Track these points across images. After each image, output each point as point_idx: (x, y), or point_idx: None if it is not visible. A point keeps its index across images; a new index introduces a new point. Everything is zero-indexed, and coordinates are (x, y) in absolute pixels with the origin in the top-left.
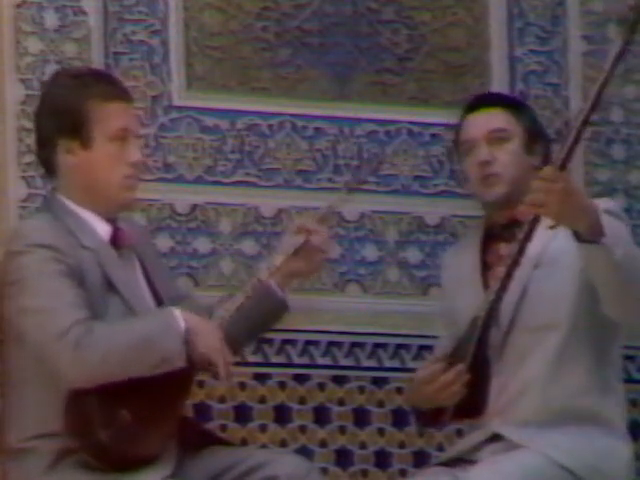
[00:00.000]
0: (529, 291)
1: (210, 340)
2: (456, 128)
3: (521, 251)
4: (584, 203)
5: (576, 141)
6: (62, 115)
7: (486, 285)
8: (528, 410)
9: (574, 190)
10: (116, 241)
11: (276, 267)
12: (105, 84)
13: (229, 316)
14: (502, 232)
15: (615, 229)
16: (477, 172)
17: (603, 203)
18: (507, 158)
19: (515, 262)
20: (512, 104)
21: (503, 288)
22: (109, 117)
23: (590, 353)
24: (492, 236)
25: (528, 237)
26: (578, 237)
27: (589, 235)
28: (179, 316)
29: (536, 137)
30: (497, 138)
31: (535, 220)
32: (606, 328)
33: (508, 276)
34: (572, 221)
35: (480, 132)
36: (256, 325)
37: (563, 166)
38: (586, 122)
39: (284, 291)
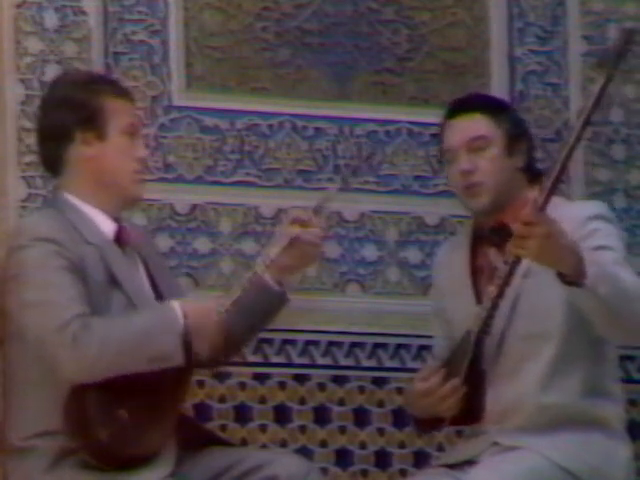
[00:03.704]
0: (520, 300)
1: (208, 337)
2: (438, 135)
3: (511, 272)
4: (566, 244)
5: (555, 184)
6: (79, 107)
7: (476, 289)
8: (524, 417)
9: (555, 232)
10: (120, 239)
11: (271, 259)
12: (112, 83)
13: (224, 310)
14: (490, 236)
15: (598, 266)
16: (460, 181)
17: (593, 207)
18: (489, 166)
19: (506, 283)
20: (491, 108)
21: (495, 307)
22: (120, 111)
23: (584, 359)
24: (481, 238)
25: (511, 274)
26: (561, 278)
27: (572, 276)
28: (179, 313)
29: (517, 138)
30: (477, 146)
31: (516, 261)
32: (600, 335)
33: (499, 296)
34: (553, 263)
35: (460, 141)
36: (257, 321)
37: (543, 207)
38: (566, 162)
39: (281, 284)
